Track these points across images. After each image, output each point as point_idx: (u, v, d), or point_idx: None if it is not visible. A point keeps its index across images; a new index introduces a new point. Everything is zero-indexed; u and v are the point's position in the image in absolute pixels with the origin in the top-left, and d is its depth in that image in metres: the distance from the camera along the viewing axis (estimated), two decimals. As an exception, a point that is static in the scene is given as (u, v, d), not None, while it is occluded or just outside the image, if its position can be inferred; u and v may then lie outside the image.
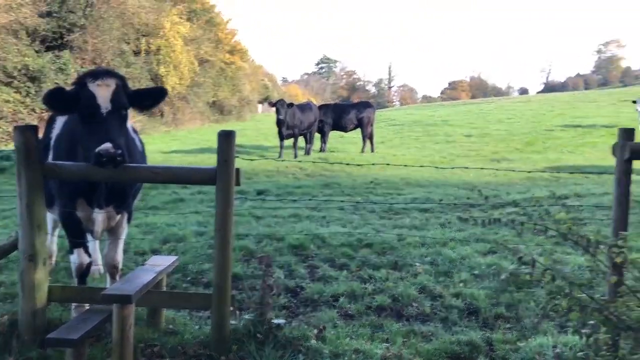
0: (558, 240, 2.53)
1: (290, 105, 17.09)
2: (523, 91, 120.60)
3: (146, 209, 8.81)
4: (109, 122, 3.53)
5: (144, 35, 29.18)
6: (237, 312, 4.19)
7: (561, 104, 41.23)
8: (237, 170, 3.69)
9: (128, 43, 27.88)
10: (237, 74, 41.77)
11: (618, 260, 2.34)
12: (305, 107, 17.86)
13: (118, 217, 4.23)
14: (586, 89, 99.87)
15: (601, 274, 2.81)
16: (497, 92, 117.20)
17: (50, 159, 4.08)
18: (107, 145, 3.38)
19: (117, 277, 4.35)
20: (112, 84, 3.64)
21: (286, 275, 5.58)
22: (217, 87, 37.51)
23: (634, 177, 10.75)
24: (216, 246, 3.71)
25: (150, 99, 3.92)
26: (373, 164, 6.78)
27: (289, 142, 17.48)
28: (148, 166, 3.79)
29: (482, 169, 6.76)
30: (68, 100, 3.63)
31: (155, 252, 6.21)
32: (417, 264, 5.96)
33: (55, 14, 23.04)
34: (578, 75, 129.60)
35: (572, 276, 4.77)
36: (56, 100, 3.65)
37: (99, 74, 3.69)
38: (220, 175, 3.63)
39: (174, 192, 10.25)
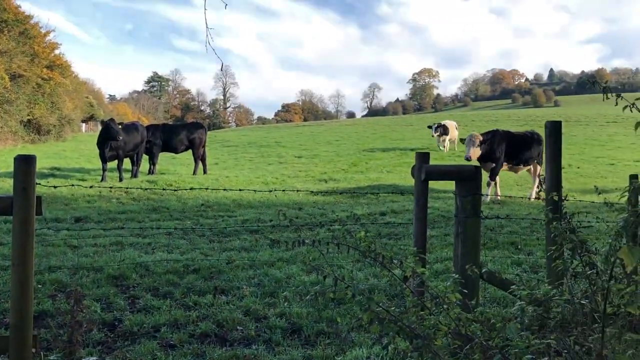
0: (359, 258, 2.70)
1: (120, 124, 16.32)
2: (350, 115, 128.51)
3: (-63, 242, 7.69)
4: None
5: (-60, 45, 25.72)
6: (42, 353, 3.81)
7: (382, 127, 44.66)
8: (39, 198, 3.38)
9: None
10: (57, 91, 38.57)
11: (407, 273, 2.56)
12: (130, 128, 17.04)
13: None
14: (404, 113, 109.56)
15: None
16: (327, 115, 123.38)
17: None
18: None
19: None
20: None
21: (103, 308, 5.22)
22: (33, 105, 34.27)
23: (441, 194, 11.87)
24: (14, 283, 3.35)
25: None
26: (191, 189, 6.66)
27: (112, 164, 16.52)
28: None
29: (297, 191, 7.00)
30: None
31: (-55, 292, 5.43)
32: (244, 286, 5.96)
33: None
34: (397, 100, 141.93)
35: (380, 289, 5.12)
36: None
37: None
38: (18, 204, 3.29)
39: (-26, 222, 9.08)
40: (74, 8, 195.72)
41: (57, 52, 42.86)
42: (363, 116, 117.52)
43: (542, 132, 4.02)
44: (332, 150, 27.55)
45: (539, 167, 13.23)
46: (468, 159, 12.11)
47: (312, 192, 6.55)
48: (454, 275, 2.67)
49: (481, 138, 12.30)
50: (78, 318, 3.72)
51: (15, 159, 3.36)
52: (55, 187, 5.01)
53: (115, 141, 15.55)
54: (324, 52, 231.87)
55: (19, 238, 3.34)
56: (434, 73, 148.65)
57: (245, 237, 8.55)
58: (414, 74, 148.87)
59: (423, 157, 3.98)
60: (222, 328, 4.81)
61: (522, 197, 11.03)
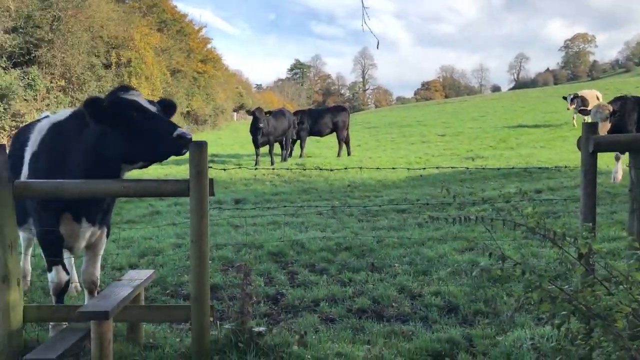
0: (527, 235, 2.58)
1: (268, 113, 17.03)
2: (495, 88, 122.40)
3: (122, 223, 8.73)
4: (161, 118, 3.70)
5: (113, 48, 28.87)
6: (218, 323, 4.18)
7: (532, 99, 41.99)
8: (211, 180, 3.69)
9: (98, 56, 27.55)
10: (210, 83, 41.61)
11: (583, 250, 2.40)
12: (278, 114, 17.85)
13: (99, 232, 4.21)
14: (555, 84, 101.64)
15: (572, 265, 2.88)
16: (470, 91, 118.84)
17: (24, 176, 4.03)
18: (182, 130, 3.54)
19: (96, 294, 4.31)
20: (140, 94, 3.83)
21: (266, 283, 5.58)
22: (191, 97, 37.33)
23: (606, 169, 10.86)
24: (192, 258, 3.70)
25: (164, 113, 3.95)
26: (345, 168, 6.82)
27: (264, 149, 17.46)
28: (118, 180, 3.76)
29: (452, 168, 6.83)
30: (104, 109, 3.66)
31: (132, 266, 6.16)
32: (395, 264, 6.01)
33: (21, 30, 22.66)
34: (547, 70, 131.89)
35: (541, 269, 4.86)
36: (97, 106, 3.66)
37: (126, 88, 3.83)
38: (194, 186, 3.62)
39: (150, 204, 10.16)
40: (222, 3, 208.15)
41: (209, 46, 46.13)
42: (509, 89, 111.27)
43: None
44: (478, 126, 26.53)
45: None
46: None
47: (467, 168, 6.35)
48: (638, 252, 2.44)
49: (610, 108, 10.65)
50: (247, 290, 4.01)
51: (189, 145, 3.68)
52: (224, 169, 5.47)
53: (264, 128, 16.37)
54: (464, 24, 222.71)
55: (196, 217, 3.67)
56: (589, 38, 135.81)
57: (393, 217, 8.59)
58: (566, 41, 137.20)
59: (591, 127, 3.68)
60: (378, 304, 4.90)
61: None
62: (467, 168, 6.62)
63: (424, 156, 17.72)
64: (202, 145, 3.67)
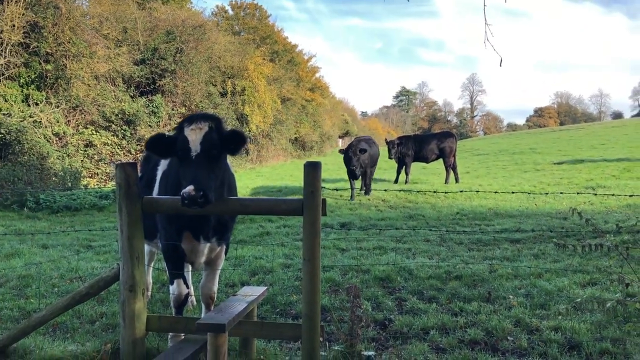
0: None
1: (363, 151, 14.81)
2: (617, 115, 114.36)
3: (235, 242, 9.06)
4: (197, 165, 3.58)
5: (229, 77, 30.54)
6: (327, 344, 4.17)
7: (661, 126, 38.73)
8: (323, 200, 3.73)
9: (215, 85, 29.25)
10: (318, 110, 42.70)
11: None
12: (371, 142, 16.65)
13: (218, 248, 4.39)
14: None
15: None
16: (587, 118, 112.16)
17: (155, 193, 4.32)
18: (189, 188, 3.42)
19: (212, 307, 4.47)
20: (204, 127, 3.68)
21: (374, 307, 5.51)
22: (299, 124, 38.49)
23: None
24: (305, 276, 3.73)
25: (232, 144, 3.81)
26: (460, 191, 6.62)
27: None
28: (238, 198, 3.91)
29: (577, 193, 6.40)
30: (167, 145, 3.76)
31: (244, 283, 6.35)
32: (510, 296, 5.71)
33: (148, 62, 24.66)
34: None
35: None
36: (157, 145, 3.79)
37: (193, 118, 3.76)
38: (308, 205, 3.67)
39: (260, 225, 10.48)
40: (329, 32, 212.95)
41: (317, 75, 47.48)
42: (633, 116, 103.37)
43: None
44: (598, 155, 24.85)
45: None
46: None
47: (595, 194, 5.91)
48: None
49: None
50: (357, 313, 3.98)
51: (305, 165, 3.76)
52: (337, 189, 5.51)
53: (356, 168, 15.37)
54: (583, 48, 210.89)
55: (309, 236, 3.71)
56: None
57: (506, 247, 8.20)
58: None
59: None
60: (492, 336, 4.66)
61: None
62: (595, 194, 6.15)
63: (539, 184, 16.84)
64: (316, 166, 3.73)
